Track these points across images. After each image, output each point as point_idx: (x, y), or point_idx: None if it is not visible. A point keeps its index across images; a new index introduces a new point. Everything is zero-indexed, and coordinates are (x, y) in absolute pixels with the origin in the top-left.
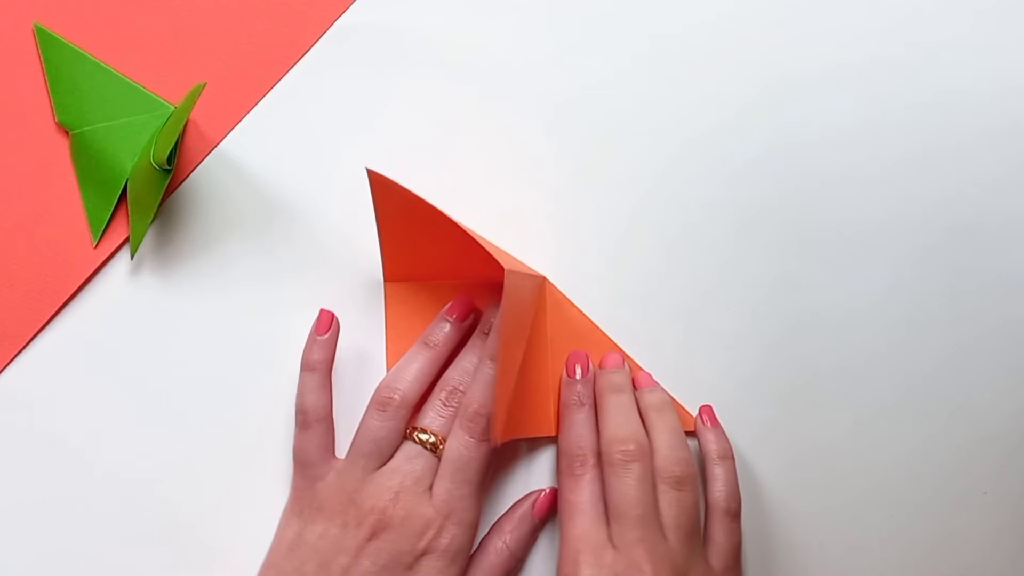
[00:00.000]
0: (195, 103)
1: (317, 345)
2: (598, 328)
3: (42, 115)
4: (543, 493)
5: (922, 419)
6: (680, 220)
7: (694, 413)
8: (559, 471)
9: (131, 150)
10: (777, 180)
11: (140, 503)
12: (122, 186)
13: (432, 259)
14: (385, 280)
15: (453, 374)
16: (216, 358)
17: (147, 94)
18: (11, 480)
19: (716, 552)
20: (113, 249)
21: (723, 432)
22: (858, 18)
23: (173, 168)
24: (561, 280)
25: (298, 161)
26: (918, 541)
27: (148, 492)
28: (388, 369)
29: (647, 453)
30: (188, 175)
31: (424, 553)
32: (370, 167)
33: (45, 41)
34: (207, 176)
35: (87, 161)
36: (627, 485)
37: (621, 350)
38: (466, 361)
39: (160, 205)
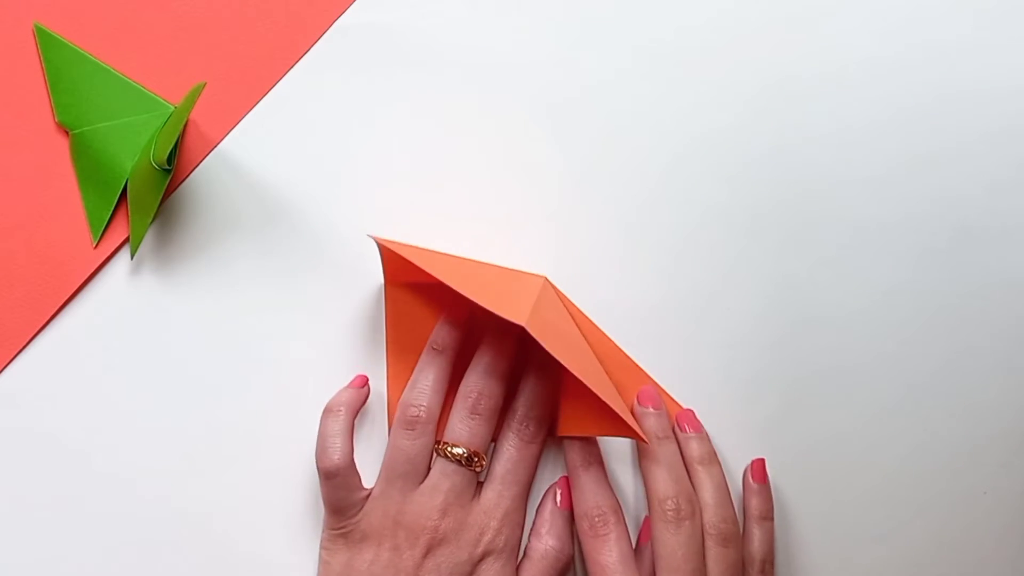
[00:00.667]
0: (195, 103)
1: (346, 391)
2: (598, 329)
3: (42, 115)
4: (558, 487)
5: (922, 419)
6: (681, 220)
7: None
8: (580, 532)
9: (131, 150)
10: (778, 181)
11: (140, 503)
12: (122, 186)
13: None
14: (386, 283)
15: (473, 382)
16: (216, 358)
17: (147, 94)
18: (11, 480)
19: None
20: (113, 249)
21: (769, 492)
22: (860, 18)
23: (173, 168)
24: (562, 281)
25: (298, 161)
26: (918, 541)
27: (148, 492)
28: (388, 370)
29: (697, 510)
30: (188, 175)
31: (482, 557)
32: (375, 236)
33: (45, 41)
34: (207, 176)
35: (87, 161)
36: (679, 543)
37: (652, 380)
38: (482, 366)
39: (160, 205)
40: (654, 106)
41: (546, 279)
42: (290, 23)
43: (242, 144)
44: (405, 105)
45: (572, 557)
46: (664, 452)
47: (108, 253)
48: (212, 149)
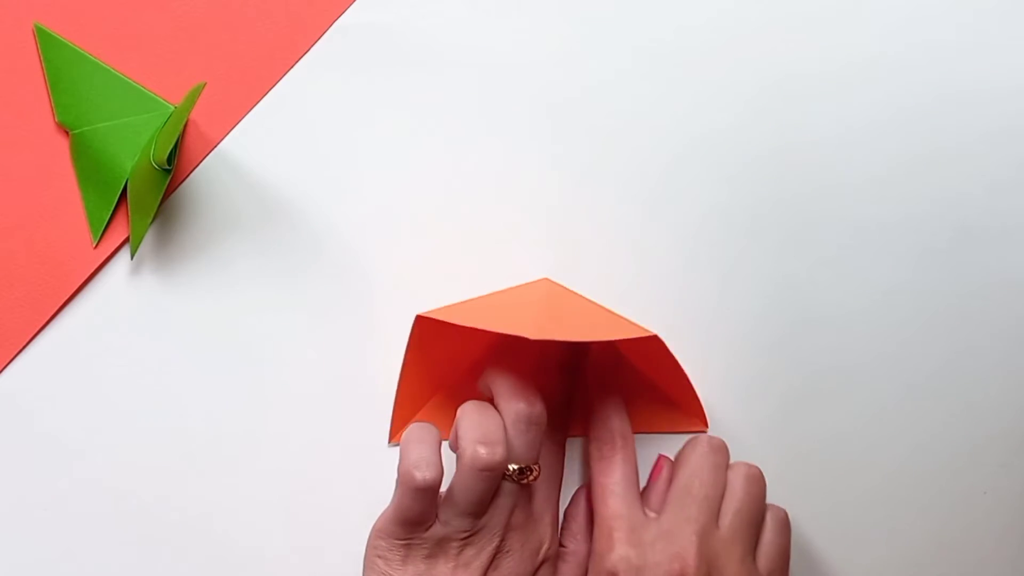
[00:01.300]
0: (195, 103)
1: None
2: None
3: (42, 115)
4: (584, 490)
5: (923, 419)
6: (681, 220)
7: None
8: (589, 456)
9: (131, 150)
10: (779, 181)
11: (140, 503)
12: (122, 186)
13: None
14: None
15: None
16: (216, 358)
17: (147, 94)
18: (10, 480)
19: (764, 553)
20: (113, 249)
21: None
22: (860, 18)
23: (173, 168)
24: (562, 281)
25: (298, 161)
26: (918, 541)
27: (148, 492)
28: (398, 387)
29: (728, 455)
30: (188, 175)
31: (540, 565)
32: (421, 314)
33: (45, 41)
34: (207, 176)
35: (87, 161)
36: (705, 466)
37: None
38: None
39: (160, 205)
40: (654, 106)
41: (548, 280)
42: (290, 23)
43: (242, 144)
44: (405, 105)
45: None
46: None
47: (108, 253)
48: (212, 149)
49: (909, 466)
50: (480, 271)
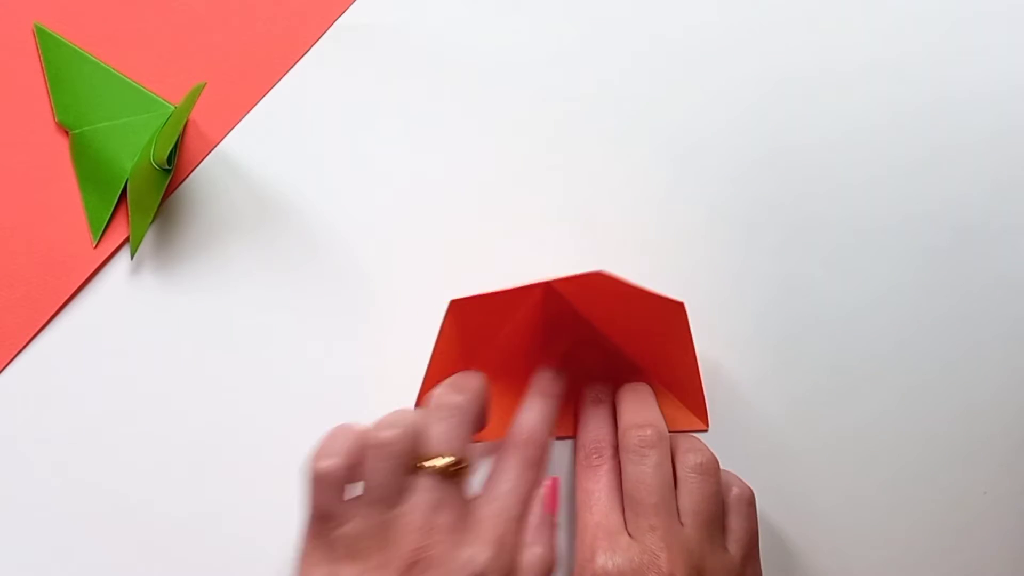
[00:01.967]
0: (195, 103)
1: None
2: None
3: (42, 115)
4: (545, 490)
5: (923, 419)
6: (682, 221)
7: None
8: (576, 463)
9: (131, 150)
10: (780, 182)
11: (140, 503)
12: (122, 186)
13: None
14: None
15: (438, 390)
16: (216, 358)
17: (147, 94)
18: (10, 480)
19: (734, 539)
20: (113, 249)
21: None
22: (862, 19)
23: (173, 168)
24: None
25: (298, 161)
26: (918, 541)
27: (147, 492)
28: (424, 383)
29: (666, 440)
30: (188, 175)
31: None
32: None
33: (45, 41)
34: (207, 176)
35: (87, 161)
36: (643, 472)
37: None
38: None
39: (160, 205)
40: (655, 108)
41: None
42: (290, 23)
43: (242, 144)
44: (405, 105)
45: (555, 563)
46: (633, 390)
47: (108, 253)
48: (212, 149)
49: (909, 466)
50: (480, 271)
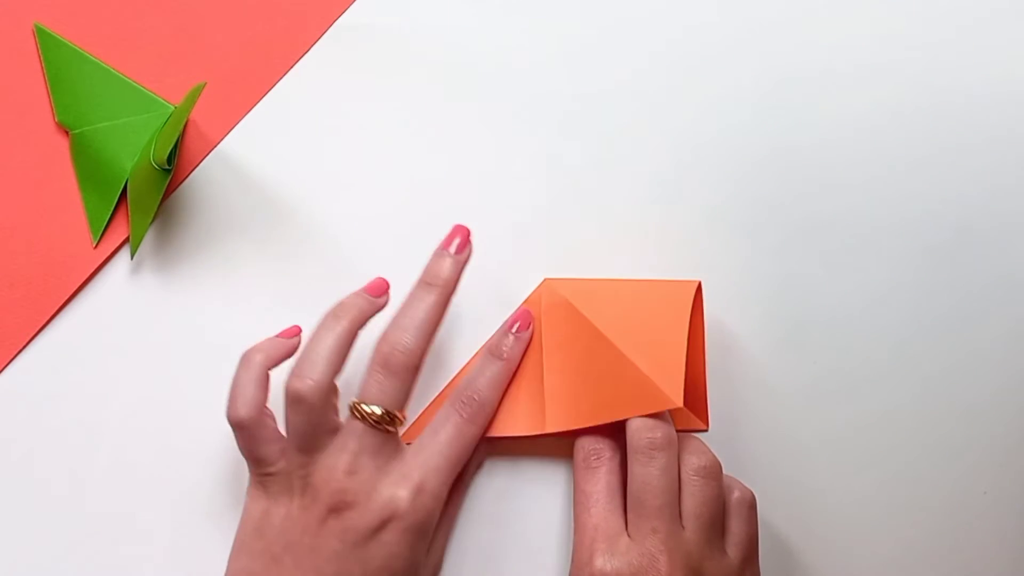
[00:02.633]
0: (195, 103)
1: (268, 340)
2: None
3: (42, 115)
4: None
5: (923, 419)
6: (683, 221)
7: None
8: (575, 465)
9: (131, 150)
10: (780, 182)
11: (140, 503)
12: (122, 186)
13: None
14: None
15: (386, 336)
16: (216, 358)
17: (147, 94)
18: (11, 480)
19: (733, 543)
20: (113, 249)
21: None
22: (862, 20)
23: (173, 168)
24: None
25: (298, 161)
26: (918, 541)
27: (148, 492)
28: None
29: (674, 443)
30: (188, 175)
31: (385, 524)
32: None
33: (45, 41)
34: (207, 176)
35: (87, 161)
36: (651, 474)
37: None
38: (398, 319)
39: (160, 205)
40: (655, 109)
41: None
42: (290, 23)
43: (242, 144)
44: (405, 105)
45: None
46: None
47: (108, 253)
48: (212, 149)
49: (909, 466)
50: (481, 271)
